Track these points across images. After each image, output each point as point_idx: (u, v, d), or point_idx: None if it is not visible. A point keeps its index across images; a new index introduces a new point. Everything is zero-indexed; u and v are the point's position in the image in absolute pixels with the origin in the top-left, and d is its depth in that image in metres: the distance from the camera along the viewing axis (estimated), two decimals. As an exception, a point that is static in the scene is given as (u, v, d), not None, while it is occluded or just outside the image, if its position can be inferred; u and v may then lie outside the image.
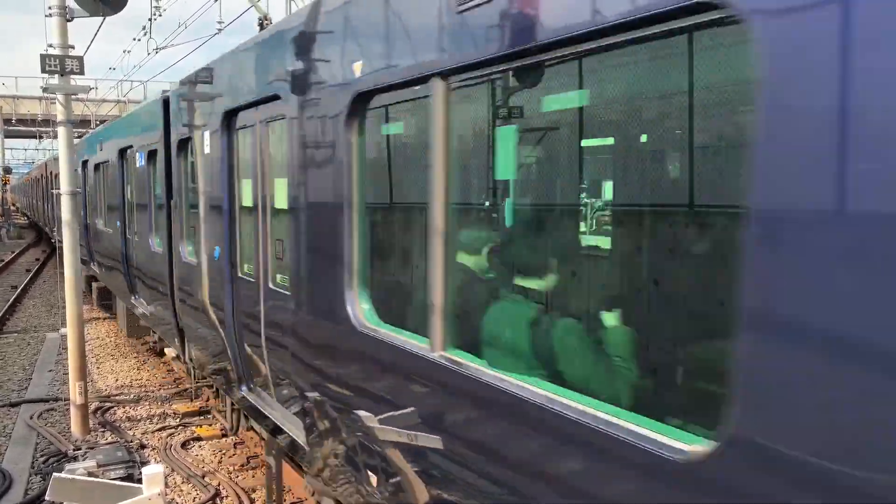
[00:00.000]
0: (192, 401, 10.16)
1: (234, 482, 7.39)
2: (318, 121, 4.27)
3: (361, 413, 3.92)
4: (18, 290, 20.28)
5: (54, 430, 8.99)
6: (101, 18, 8.80)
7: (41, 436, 8.85)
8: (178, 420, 9.46)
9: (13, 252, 32.23)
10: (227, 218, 6.10)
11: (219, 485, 7.36)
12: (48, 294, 20.44)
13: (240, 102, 5.67)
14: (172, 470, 7.76)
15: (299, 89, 4.50)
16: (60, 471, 6.28)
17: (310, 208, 4.49)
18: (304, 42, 4.50)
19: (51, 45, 8.35)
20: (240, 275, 6.06)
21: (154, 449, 8.44)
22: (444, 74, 3.08)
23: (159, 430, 9.07)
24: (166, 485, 7.13)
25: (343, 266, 3.98)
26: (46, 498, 5.66)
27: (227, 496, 7.15)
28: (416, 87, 3.40)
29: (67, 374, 9.60)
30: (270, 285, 5.37)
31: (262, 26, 9.16)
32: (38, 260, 29.72)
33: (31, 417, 9.50)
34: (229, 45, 6.23)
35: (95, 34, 11.71)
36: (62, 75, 8.35)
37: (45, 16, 8.29)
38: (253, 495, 7.11)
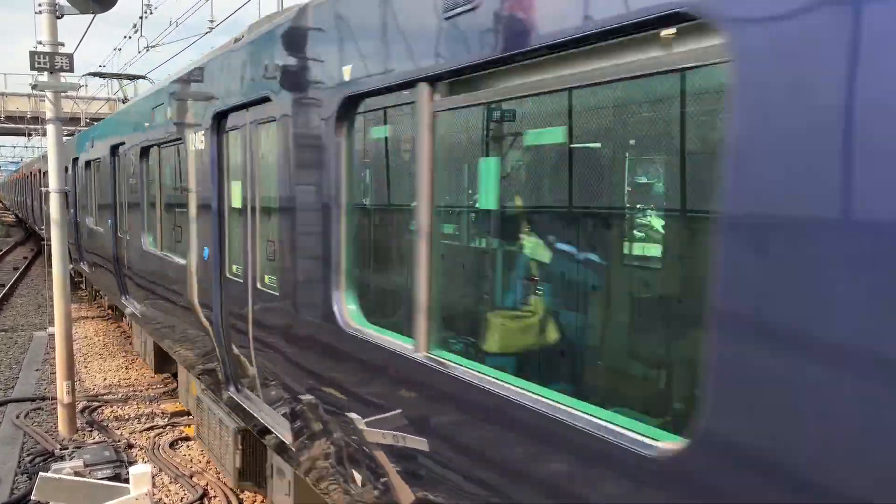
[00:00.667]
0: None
1: (222, 482, 7.36)
2: None
3: None
4: (6, 289, 20.13)
5: (41, 430, 8.93)
6: (92, 16, 8.76)
7: (28, 435, 8.80)
8: (166, 420, 9.42)
9: (1, 250, 32.01)
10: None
11: (207, 485, 7.34)
12: (36, 293, 20.31)
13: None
14: (160, 470, 7.73)
15: None
16: (47, 470, 6.24)
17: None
18: None
19: (40, 42, 8.31)
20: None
21: (142, 448, 8.40)
22: None
23: (147, 429, 9.03)
24: (154, 485, 7.11)
25: None
26: (33, 497, 5.62)
27: (214, 496, 7.13)
28: None
29: (55, 373, 9.55)
30: None
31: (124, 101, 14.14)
32: (25, 258, 29.51)
33: (18, 417, 9.44)
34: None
35: (86, 31, 11.66)
36: (51, 72, 8.31)
37: (35, 12, 8.25)
38: (241, 496, 7.09)
